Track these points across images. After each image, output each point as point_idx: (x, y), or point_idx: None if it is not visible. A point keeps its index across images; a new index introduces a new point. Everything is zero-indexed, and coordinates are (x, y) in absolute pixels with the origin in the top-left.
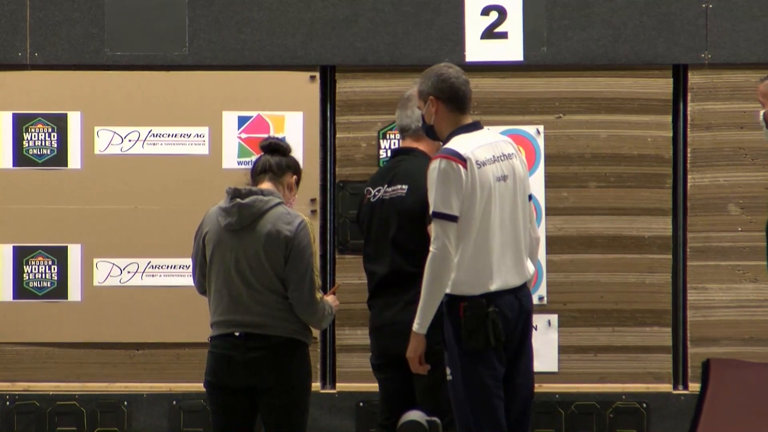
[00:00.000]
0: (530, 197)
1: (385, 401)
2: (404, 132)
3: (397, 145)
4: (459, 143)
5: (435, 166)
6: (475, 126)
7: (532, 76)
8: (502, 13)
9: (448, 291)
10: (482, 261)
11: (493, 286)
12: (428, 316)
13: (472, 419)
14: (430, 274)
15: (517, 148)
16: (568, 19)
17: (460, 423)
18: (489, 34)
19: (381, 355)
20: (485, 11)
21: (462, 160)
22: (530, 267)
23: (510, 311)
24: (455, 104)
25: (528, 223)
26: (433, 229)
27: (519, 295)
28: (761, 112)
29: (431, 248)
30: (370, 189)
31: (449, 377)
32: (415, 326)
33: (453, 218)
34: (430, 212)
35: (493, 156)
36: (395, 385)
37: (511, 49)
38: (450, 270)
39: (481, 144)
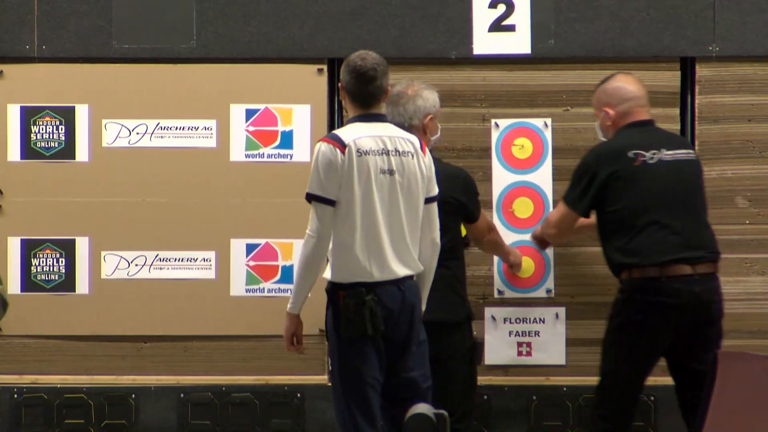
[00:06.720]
0: (433, 199)
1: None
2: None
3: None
4: (347, 130)
5: (316, 149)
6: (375, 118)
7: (540, 68)
8: (510, 5)
9: (329, 278)
10: (363, 249)
11: (374, 276)
12: (301, 298)
13: (345, 409)
14: (303, 257)
15: (422, 149)
16: (576, 11)
17: (336, 412)
18: (496, 26)
19: None
20: (493, 4)
21: (341, 145)
22: (418, 263)
23: (391, 302)
24: (353, 97)
25: (424, 223)
26: (310, 211)
27: (402, 287)
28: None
29: (307, 231)
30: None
31: (329, 367)
32: (289, 307)
33: (327, 201)
34: (306, 193)
35: (382, 149)
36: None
37: (518, 41)
38: (323, 253)
39: (371, 134)
